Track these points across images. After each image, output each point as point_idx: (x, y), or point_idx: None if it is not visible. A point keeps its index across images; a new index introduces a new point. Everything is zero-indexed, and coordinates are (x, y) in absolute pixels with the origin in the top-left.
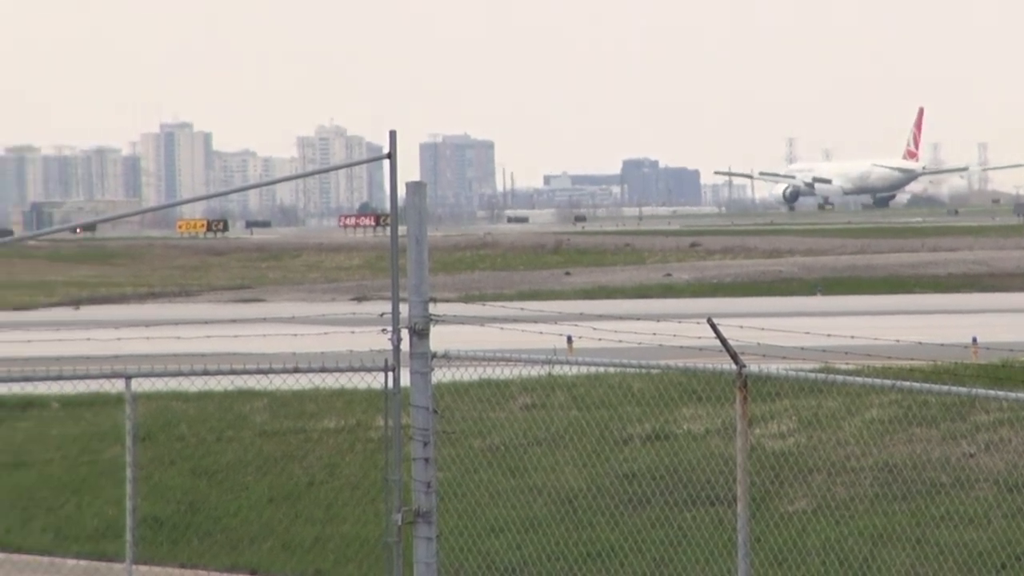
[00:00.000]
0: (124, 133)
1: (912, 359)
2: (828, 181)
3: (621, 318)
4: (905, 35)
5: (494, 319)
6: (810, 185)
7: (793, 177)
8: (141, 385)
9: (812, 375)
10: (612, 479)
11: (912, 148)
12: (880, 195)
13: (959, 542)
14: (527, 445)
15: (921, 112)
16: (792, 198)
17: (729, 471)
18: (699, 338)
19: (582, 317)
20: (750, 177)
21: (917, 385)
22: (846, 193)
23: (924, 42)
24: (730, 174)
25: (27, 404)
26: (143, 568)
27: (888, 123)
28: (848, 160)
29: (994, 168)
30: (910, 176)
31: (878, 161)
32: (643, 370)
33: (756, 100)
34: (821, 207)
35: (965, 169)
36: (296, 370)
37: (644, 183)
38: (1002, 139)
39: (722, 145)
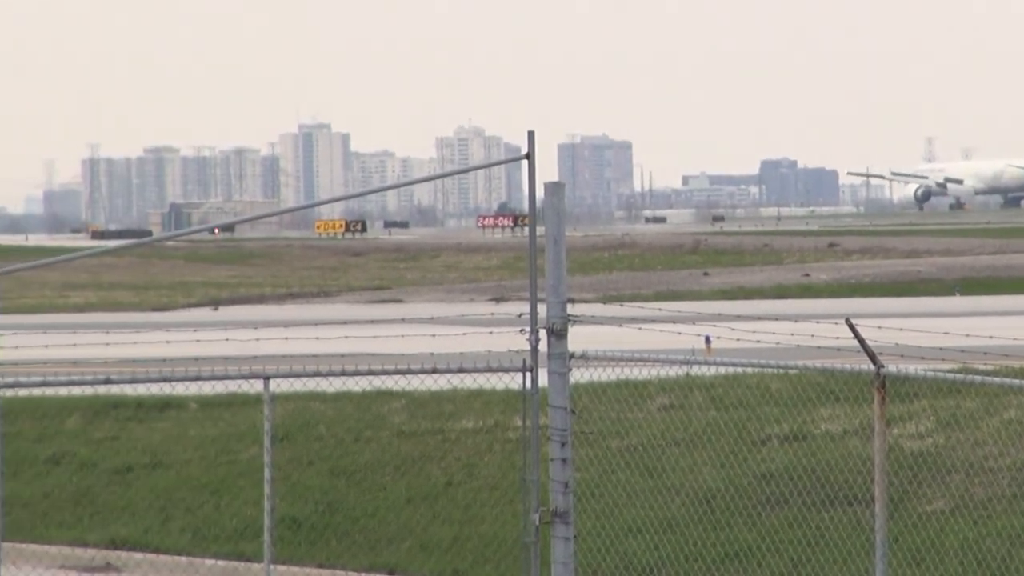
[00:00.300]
0: (263, 134)
1: None
2: (960, 181)
3: (759, 318)
4: None
5: (632, 319)
6: (942, 185)
7: (925, 177)
8: (279, 386)
9: (950, 375)
10: (750, 479)
11: None
12: (1012, 195)
13: None
14: (665, 445)
15: None
16: (924, 198)
17: (867, 471)
18: (837, 338)
19: (720, 317)
20: (883, 178)
21: None
22: (978, 193)
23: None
24: (864, 175)
25: (166, 405)
26: (281, 568)
27: None
28: (981, 160)
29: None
30: None
31: (1012, 161)
32: (781, 370)
33: (896, 99)
34: (952, 207)
35: None
36: (434, 370)
37: (782, 183)
38: None
39: (861, 145)
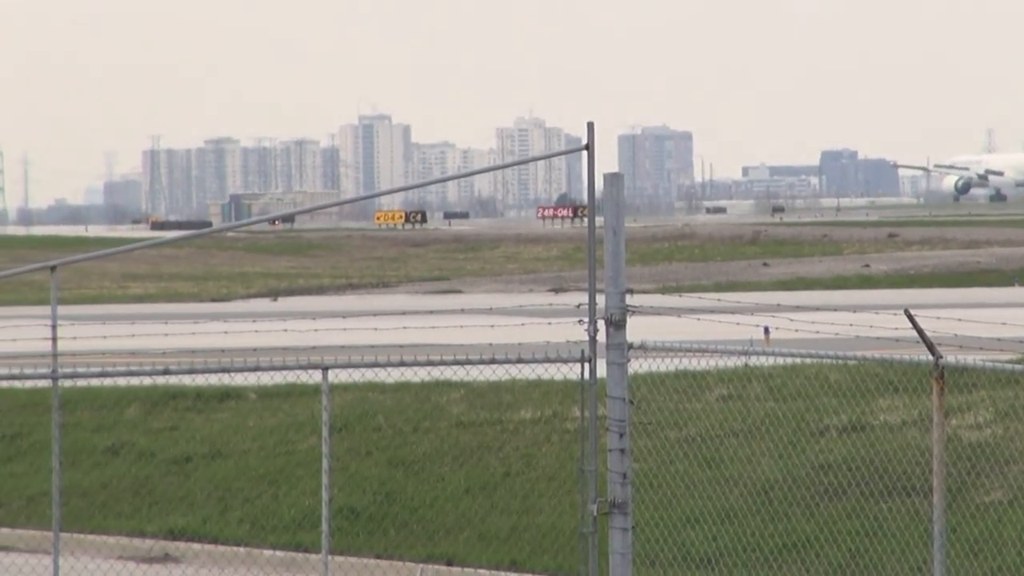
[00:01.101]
0: (323, 125)
1: None
2: (1000, 173)
3: (818, 309)
4: None
5: (691, 310)
6: (983, 177)
7: (967, 169)
8: (338, 376)
9: (1009, 366)
10: (808, 470)
11: None
12: None
13: None
14: (723, 436)
15: None
16: (964, 190)
17: (925, 462)
18: (896, 329)
19: (779, 308)
20: (926, 170)
21: None
22: (1019, 185)
23: None
24: (906, 166)
25: (225, 395)
26: (339, 559)
27: None
28: (1022, 152)
29: None
30: None
31: None
32: (840, 361)
33: (957, 90)
34: (992, 199)
35: None
36: (493, 361)
37: (842, 174)
38: None
39: (922, 136)
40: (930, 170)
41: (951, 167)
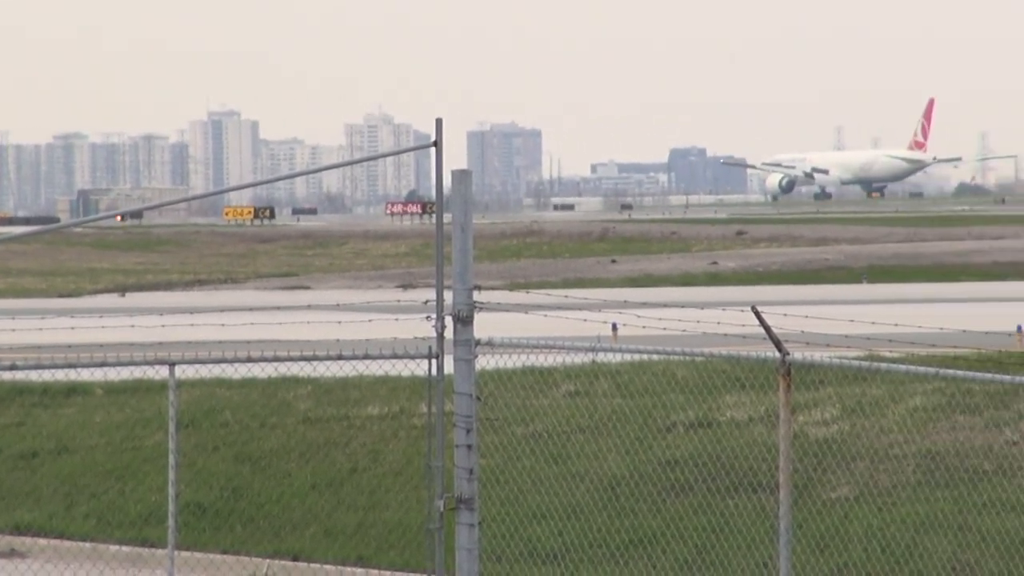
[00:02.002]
0: (172, 121)
1: (956, 347)
2: (826, 171)
3: (666, 306)
4: (914, 30)
5: (538, 306)
6: (809, 175)
7: (793, 167)
8: (185, 372)
9: (856, 363)
10: (655, 466)
11: (920, 139)
12: (876, 185)
13: (1002, 529)
14: (570, 432)
15: (931, 103)
16: (788, 188)
17: (772, 458)
18: (743, 326)
19: (627, 305)
20: (755, 167)
21: (961, 373)
22: (844, 183)
23: (937, 39)
24: (736, 164)
25: (71, 391)
26: (185, 554)
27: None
28: (850, 151)
29: (989, 158)
30: (918, 166)
31: (888, 151)
32: (687, 358)
33: (806, 88)
34: (818, 196)
35: (959, 159)
36: (340, 357)
37: (691, 171)
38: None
39: (771, 134)
40: (759, 168)
41: (777, 165)
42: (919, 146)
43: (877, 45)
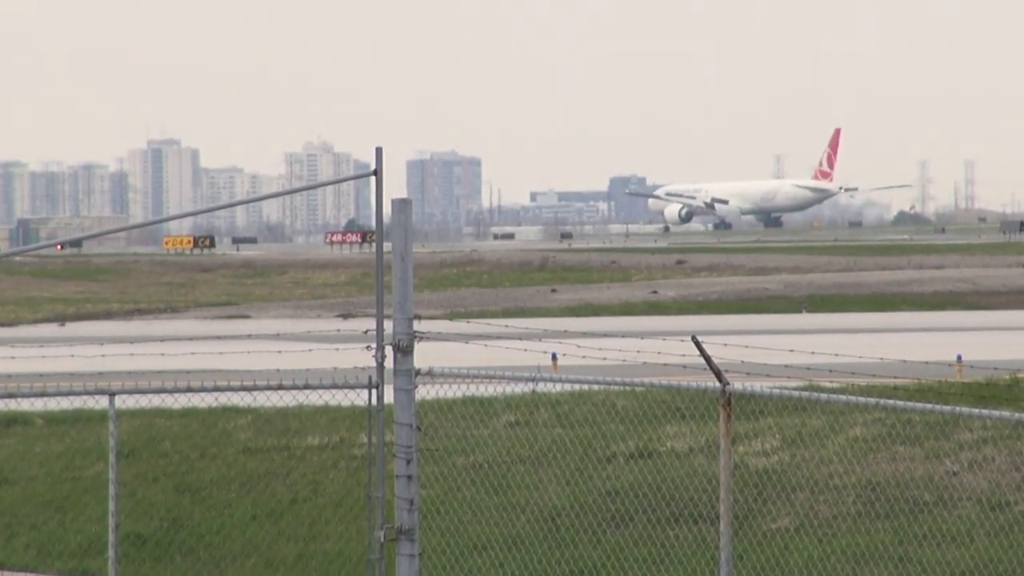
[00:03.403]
0: (111, 149)
1: (896, 377)
2: (725, 202)
3: (606, 335)
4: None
5: (479, 336)
6: (710, 205)
7: (694, 198)
8: (125, 402)
9: (796, 393)
10: (595, 497)
11: (825, 168)
12: (774, 215)
13: (942, 560)
14: (511, 463)
15: (837, 132)
16: (687, 218)
17: (712, 489)
18: (684, 356)
19: (567, 334)
20: (659, 198)
21: (901, 403)
22: (744, 213)
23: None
24: (640, 194)
25: (11, 421)
26: None
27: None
28: (750, 180)
29: (882, 188)
30: (823, 196)
31: (797, 181)
32: (627, 388)
33: (746, 117)
34: (717, 227)
35: (855, 189)
36: (280, 387)
37: (631, 200)
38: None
39: (711, 163)
40: (663, 198)
41: (679, 195)
42: (824, 175)
43: (801, 72)
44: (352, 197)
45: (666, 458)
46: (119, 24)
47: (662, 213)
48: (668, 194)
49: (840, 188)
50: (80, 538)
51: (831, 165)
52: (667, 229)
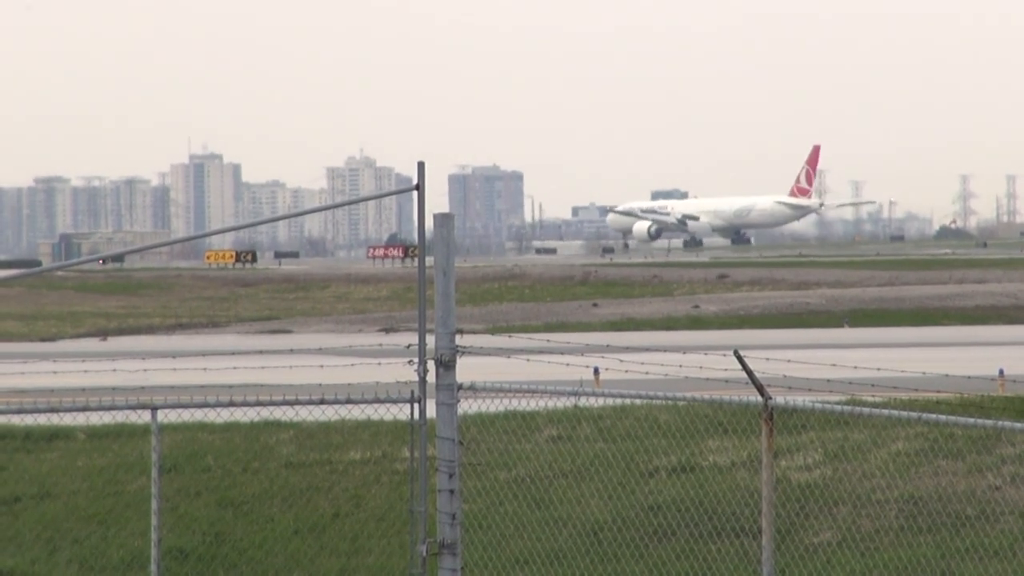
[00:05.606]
0: (153, 164)
1: (939, 391)
2: (696, 218)
3: (648, 350)
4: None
5: (521, 351)
6: (682, 222)
7: (667, 214)
8: (167, 416)
9: (838, 407)
10: (637, 511)
11: (804, 185)
12: (742, 232)
13: (984, 575)
14: (553, 477)
15: (816, 149)
16: (656, 235)
17: (754, 503)
18: (726, 370)
19: (609, 349)
20: (636, 216)
21: (943, 418)
22: (715, 230)
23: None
24: (627, 213)
25: (53, 435)
26: None
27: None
28: (723, 197)
29: (845, 204)
30: (802, 212)
31: (780, 198)
32: (670, 402)
33: (787, 133)
34: (687, 244)
35: (821, 204)
36: (322, 401)
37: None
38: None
39: (751, 177)
40: (638, 215)
41: (653, 211)
42: (803, 192)
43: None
44: (394, 211)
45: (708, 472)
46: (161, 39)
47: (625, 231)
48: (643, 211)
49: (820, 204)
50: (122, 553)
51: (809, 182)
52: (626, 246)
